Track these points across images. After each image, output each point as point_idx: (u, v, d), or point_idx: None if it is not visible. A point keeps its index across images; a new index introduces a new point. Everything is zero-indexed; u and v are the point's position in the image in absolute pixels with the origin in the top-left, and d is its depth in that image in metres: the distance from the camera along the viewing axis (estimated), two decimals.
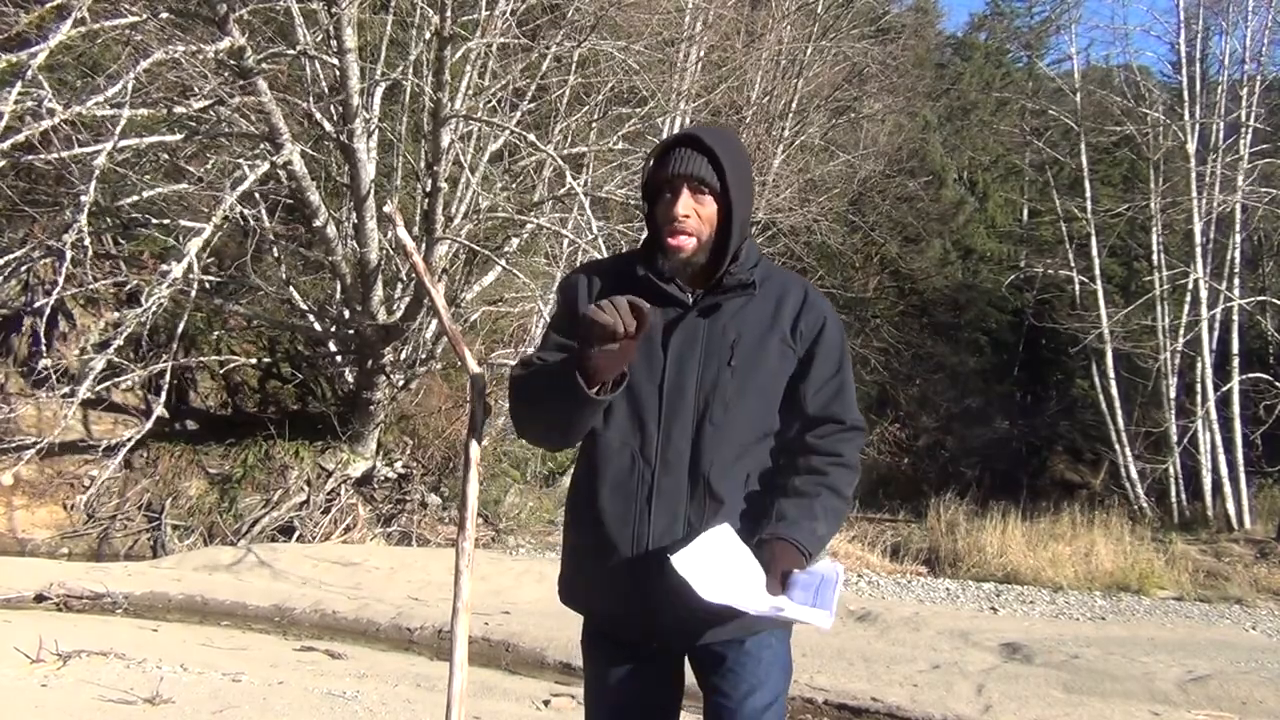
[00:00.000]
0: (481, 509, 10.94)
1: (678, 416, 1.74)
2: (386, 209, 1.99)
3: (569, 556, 1.89)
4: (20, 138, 6.92)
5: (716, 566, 1.66)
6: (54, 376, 7.99)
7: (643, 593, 1.73)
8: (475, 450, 1.87)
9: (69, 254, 7.07)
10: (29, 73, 6.50)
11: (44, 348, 9.15)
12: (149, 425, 8.85)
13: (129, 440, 8.84)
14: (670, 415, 1.74)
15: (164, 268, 8.41)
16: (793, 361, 1.81)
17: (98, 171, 7.27)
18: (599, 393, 1.67)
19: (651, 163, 1.82)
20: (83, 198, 7.08)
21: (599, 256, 9.50)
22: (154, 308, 8.10)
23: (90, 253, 7.40)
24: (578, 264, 12.53)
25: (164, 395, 8.97)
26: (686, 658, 1.87)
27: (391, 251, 9.99)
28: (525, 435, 1.91)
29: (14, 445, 8.34)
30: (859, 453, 1.87)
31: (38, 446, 8.06)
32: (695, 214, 1.76)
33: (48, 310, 8.09)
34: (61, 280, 7.55)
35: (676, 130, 14.02)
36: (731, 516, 1.76)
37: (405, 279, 10.40)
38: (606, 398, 1.69)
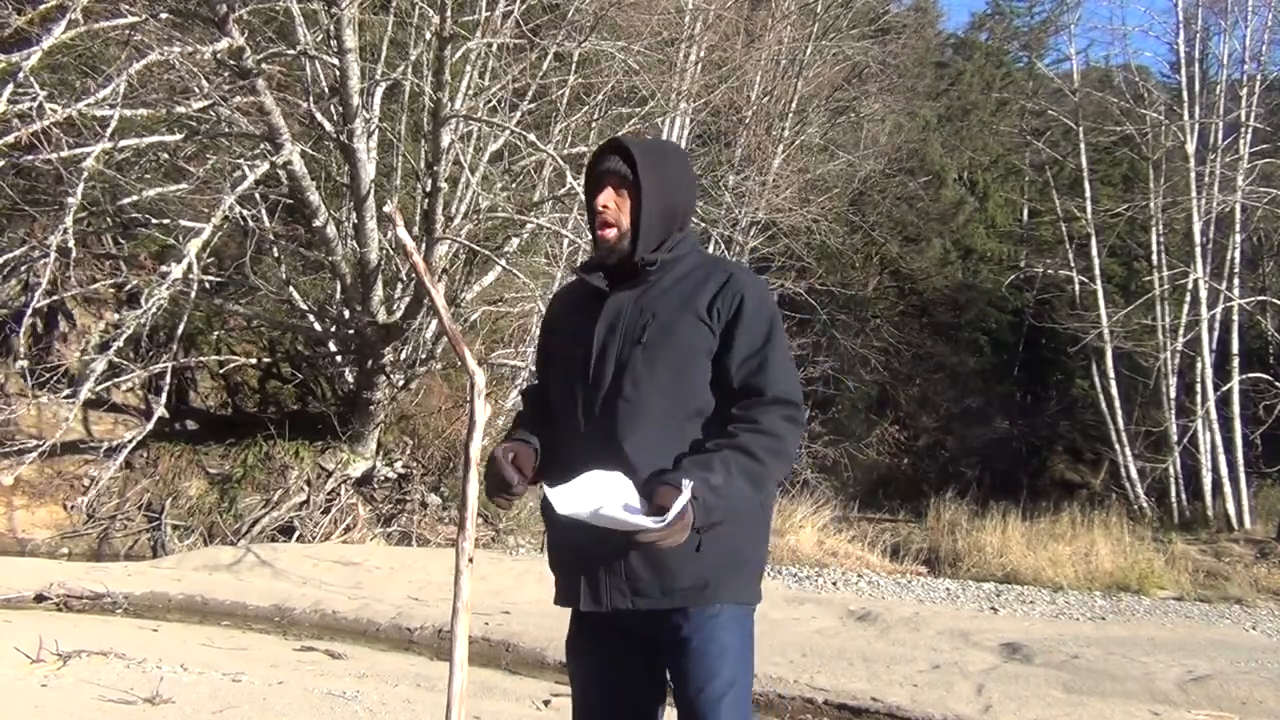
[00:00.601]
0: (481, 509, 10.93)
1: (599, 394, 1.89)
2: (386, 209, 2.02)
3: (547, 543, 2.05)
4: (13, 138, 6.91)
5: (585, 496, 1.76)
6: (54, 377, 7.98)
7: (578, 558, 1.87)
8: (475, 450, 1.91)
9: (53, 255, 7.06)
10: (20, 74, 6.49)
11: (33, 346, 9.14)
12: (150, 426, 8.85)
13: (131, 441, 8.84)
14: (592, 394, 1.89)
15: (164, 268, 8.41)
16: (710, 339, 1.89)
17: (86, 172, 7.27)
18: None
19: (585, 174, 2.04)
20: (69, 199, 7.08)
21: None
22: (154, 308, 8.09)
23: (73, 253, 7.40)
24: (578, 264, 12.59)
25: (165, 396, 8.96)
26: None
27: (391, 251, 9.99)
28: None
29: (16, 449, 8.33)
30: (789, 424, 1.88)
31: (40, 450, 8.05)
32: (614, 204, 1.94)
33: (32, 309, 8.08)
34: (45, 281, 7.54)
35: (676, 130, 14.09)
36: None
37: (405, 279, 10.40)
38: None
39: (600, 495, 1.76)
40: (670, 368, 1.87)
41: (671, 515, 1.70)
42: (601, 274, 1.97)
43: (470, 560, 1.90)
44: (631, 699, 1.96)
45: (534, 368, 2.19)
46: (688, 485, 1.73)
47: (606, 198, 1.94)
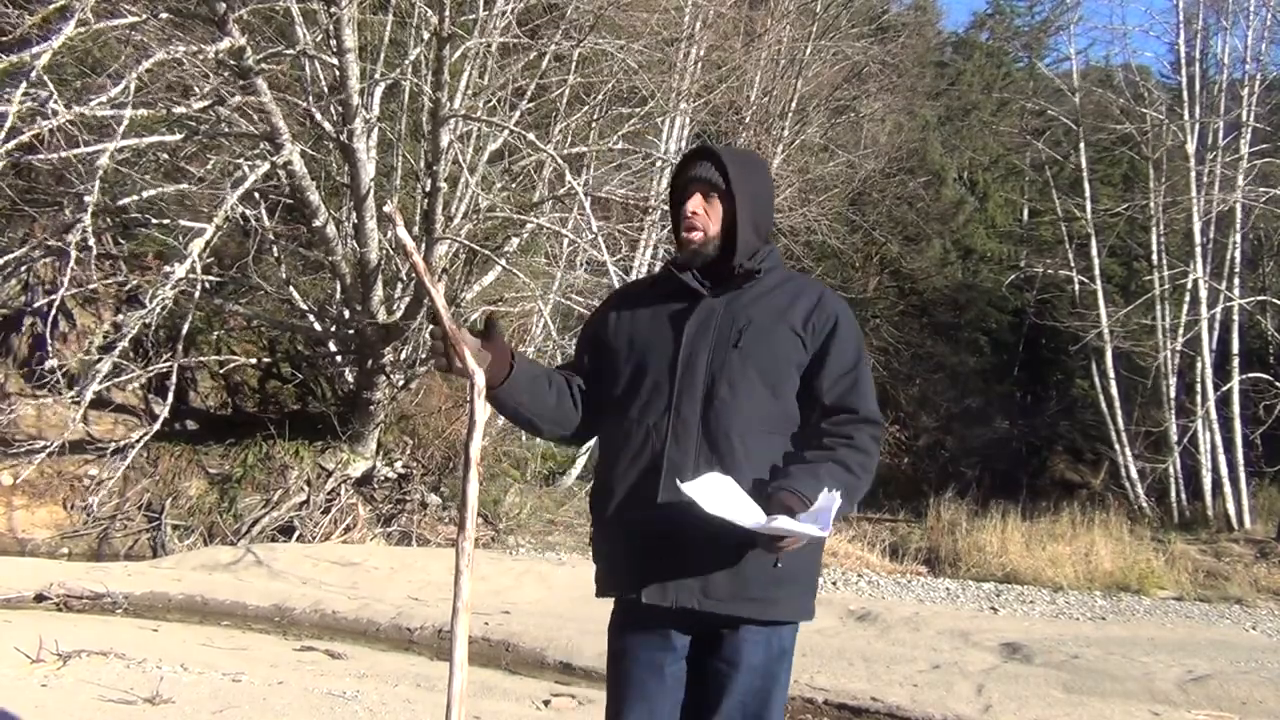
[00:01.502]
0: (481, 509, 10.94)
1: (688, 393, 1.92)
2: (386, 208, 2.02)
3: (596, 531, 2.03)
4: (25, 138, 6.91)
5: (720, 496, 1.80)
6: (55, 378, 7.98)
7: (652, 555, 1.87)
8: (475, 450, 1.90)
9: (74, 254, 7.06)
10: (33, 73, 6.50)
11: (34, 346, 9.14)
12: (156, 427, 8.85)
13: (139, 442, 8.85)
14: (681, 392, 1.92)
15: (167, 268, 8.41)
16: (802, 353, 1.96)
17: (101, 171, 7.27)
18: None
19: (672, 176, 2.10)
20: (86, 198, 7.07)
21: (599, 256, 9.50)
22: (158, 308, 8.09)
23: (92, 250, 7.39)
24: (578, 263, 12.59)
25: (170, 396, 8.95)
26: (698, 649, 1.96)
27: (391, 251, 9.99)
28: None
29: (22, 450, 8.32)
30: (875, 443, 1.98)
31: (47, 451, 8.04)
32: (704, 211, 2.00)
33: (37, 308, 8.08)
34: (67, 280, 7.54)
35: (675, 131, 14.09)
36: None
37: (405, 279, 10.40)
38: (500, 395, 1.96)
39: (735, 498, 1.80)
40: (764, 375, 1.93)
41: (830, 525, 1.78)
42: (693, 275, 2.01)
43: (468, 559, 1.88)
44: (668, 685, 1.94)
45: (572, 354, 2.17)
46: (835, 494, 1.81)
47: (695, 204, 2.00)
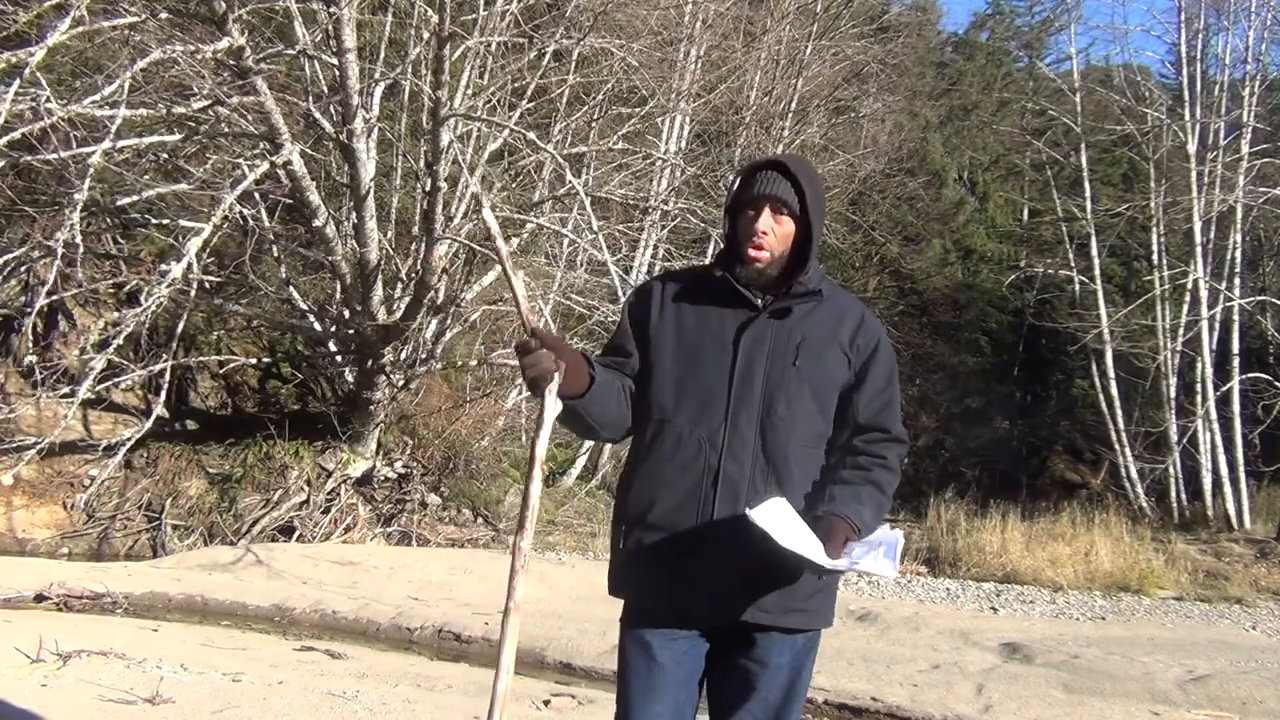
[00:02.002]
0: (482, 508, 10.94)
1: (745, 408, 1.91)
2: (473, 188, 1.96)
3: (628, 532, 1.96)
4: (16, 135, 6.91)
5: (786, 525, 1.80)
6: (53, 377, 7.98)
7: (703, 568, 1.86)
8: (542, 449, 1.82)
9: (60, 251, 7.05)
10: (27, 71, 6.49)
11: (34, 346, 9.14)
12: (149, 424, 8.84)
13: (129, 439, 8.83)
14: (738, 406, 1.90)
15: (164, 267, 8.41)
16: (847, 372, 1.98)
17: (93, 170, 7.26)
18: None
19: (738, 182, 2.02)
20: (76, 195, 7.07)
21: (599, 256, 9.50)
22: (154, 307, 8.09)
23: (82, 250, 7.38)
24: (578, 263, 12.59)
25: (164, 395, 8.96)
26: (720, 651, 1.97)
27: (390, 251, 10.00)
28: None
29: (14, 445, 8.33)
30: (901, 463, 2.02)
31: (38, 447, 8.05)
32: (773, 231, 1.95)
33: (36, 309, 8.08)
34: (52, 278, 7.53)
35: (675, 131, 14.09)
36: (792, 501, 1.90)
37: (405, 279, 10.40)
38: (585, 403, 1.89)
39: (798, 528, 1.81)
40: (815, 393, 1.95)
41: (897, 564, 1.82)
42: (750, 289, 1.97)
43: (524, 560, 1.85)
44: (683, 686, 1.93)
45: (617, 342, 2.06)
46: (899, 533, 1.87)
47: (767, 223, 1.94)
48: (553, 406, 1.82)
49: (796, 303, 1.98)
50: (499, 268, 10.49)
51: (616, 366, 2.01)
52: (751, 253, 1.95)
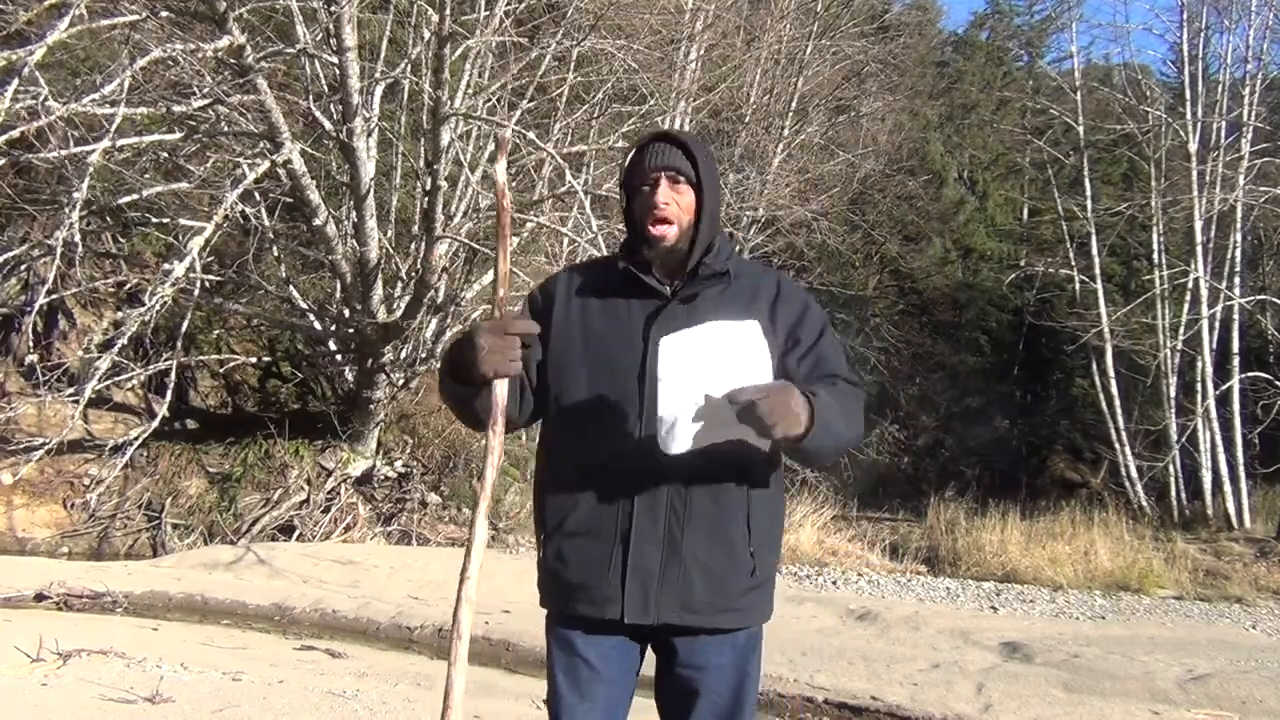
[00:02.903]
0: None
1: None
2: (504, 134, 1.90)
3: (547, 540, 1.88)
4: (15, 133, 6.91)
5: (700, 361, 1.65)
6: (54, 377, 7.98)
7: (625, 573, 1.79)
8: (497, 437, 1.76)
9: (59, 250, 7.05)
10: (25, 69, 6.49)
11: (34, 345, 9.14)
12: (154, 425, 8.84)
13: (135, 439, 8.84)
14: (652, 403, 1.76)
15: (166, 266, 8.41)
16: (772, 345, 1.83)
17: (92, 168, 7.26)
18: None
19: (628, 160, 1.90)
20: (75, 194, 7.07)
21: (598, 255, 9.50)
22: (157, 306, 8.09)
23: (81, 250, 7.39)
24: (578, 262, 12.59)
25: (168, 395, 8.95)
26: (654, 652, 1.91)
27: (390, 250, 9.99)
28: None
29: (22, 447, 8.32)
30: (858, 394, 1.89)
31: (46, 448, 8.04)
32: (674, 202, 1.83)
33: (36, 307, 8.08)
34: (51, 277, 7.54)
35: (676, 128, 14.05)
36: (724, 507, 1.81)
37: (405, 277, 10.40)
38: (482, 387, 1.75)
39: (711, 363, 1.65)
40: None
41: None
42: (655, 276, 1.85)
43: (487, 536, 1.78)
44: (619, 687, 1.89)
45: None
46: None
47: (666, 195, 1.82)
48: (503, 401, 1.72)
49: (705, 286, 1.85)
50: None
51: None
52: (655, 230, 1.82)
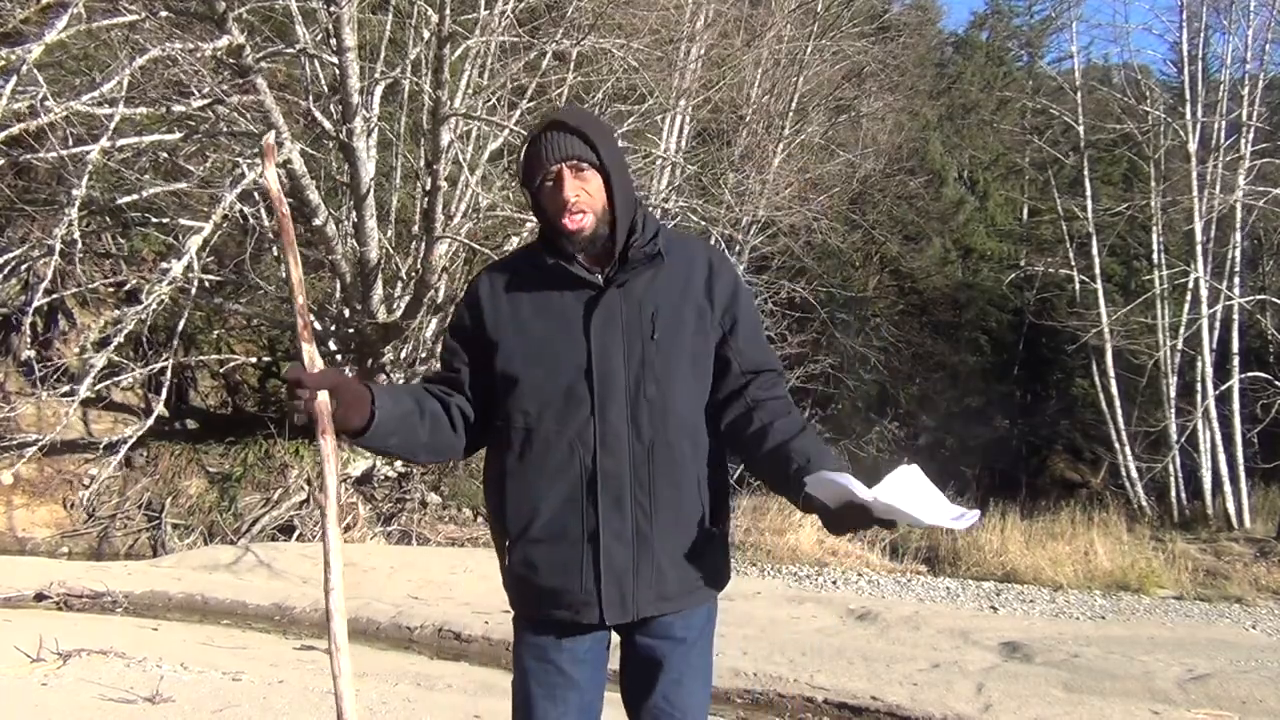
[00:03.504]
0: (482, 507, 10.94)
1: (611, 398, 1.76)
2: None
3: (511, 548, 1.84)
4: (14, 131, 6.91)
5: (910, 494, 1.62)
6: (54, 376, 7.98)
7: (597, 575, 1.76)
8: (331, 493, 1.69)
9: (58, 247, 7.06)
10: (24, 68, 6.49)
11: (31, 344, 9.14)
12: (149, 423, 8.85)
13: (130, 438, 8.84)
14: (604, 398, 1.75)
15: (164, 265, 8.41)
16: (711, 327, 1.83)
17: (90, 168, 7.27)
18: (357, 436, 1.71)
19: (523, 155, 1.83)
20: (74, 192, 7.08)
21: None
22: (154, 305, 8.10)
23: (79, 249, 7.39)
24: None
25: (164, 393, 8.96)
26: (621, 652, 1.90)
27: (390, 250, 9.99)
28: None
29: (15, 443, 8.33)
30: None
31: (39, 445, 8.05)
32: (583, 191, 1.77)
33: (34, 306, 8.08)
34: (49, 277, 7.55)
35: (675, 129, 14.08)
36: (685, 490, 1.80)
37: (405, 277, 10.40)
38: (369, 440, 1.73)
39: (916, 496, 1.62)
40: (687, 361, 1.81)
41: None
42: (582, 265, 1.79)
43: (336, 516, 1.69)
44: (588, 689, 1.86)
45: (446, 358, 1.89)
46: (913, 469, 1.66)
47: (573, 187, 1.75)
48: (331, 450, 1.68)
49: (637, 272, 1.80)
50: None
51: (446, 381, 1.86)
52: (569, 224, 1.76)
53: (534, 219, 1.88)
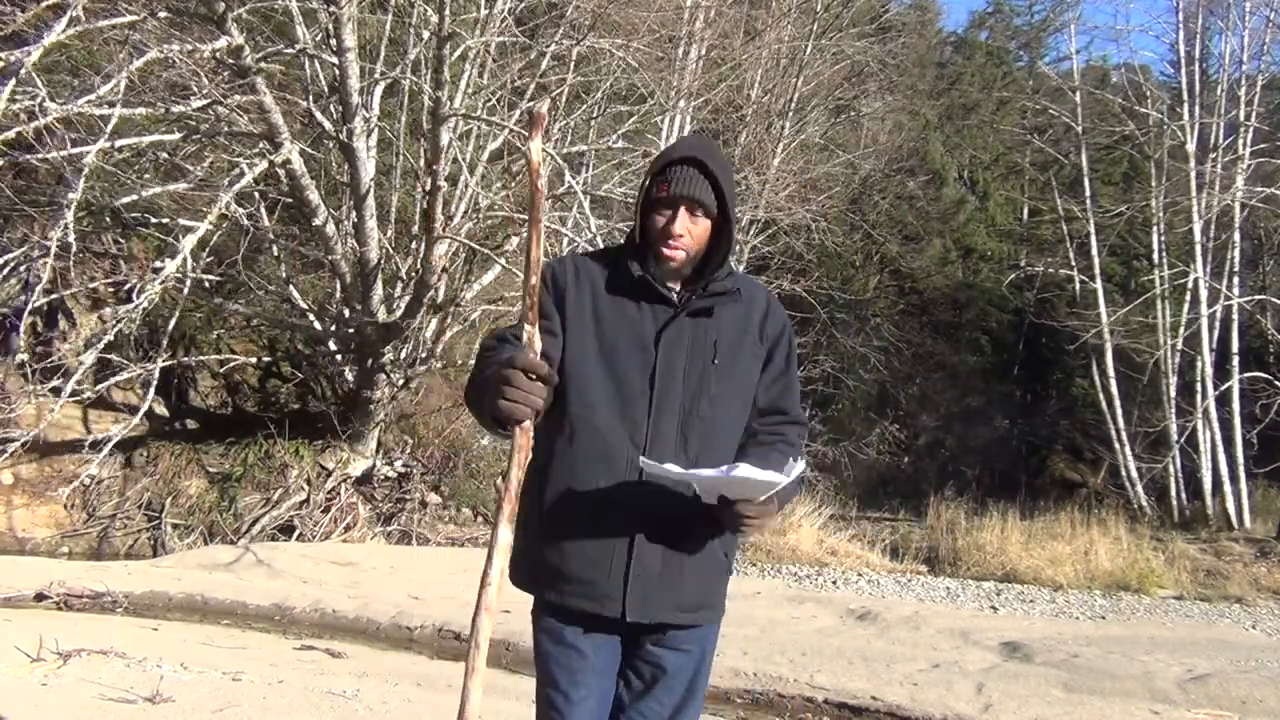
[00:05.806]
0: (482, 507, 10.94)
1: (666, 408, 1.88)
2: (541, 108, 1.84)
3: (547, 527, 1.89)
4: (13, 133, 6.91)
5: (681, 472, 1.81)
6: (53, 375, 7.96)
7: (626, 570, 1.85)
8: (513, 494, 1.73)
9: (55, 250, 7.05)
10: (23, 70, 6.49)
11: (31, 344, 9.13)
12: (136, 420, 8.83)
13: (119, 433, 8.79)
14: (660, 406, 1.88)
15: (157, 264, 8.41)
16: (759, 361, 2.00)
17: (87, 169, 7.27)
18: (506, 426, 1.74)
19: (651, 176, 1.95)
20: (72, 194, 7.07)
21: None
22: (145, 303, 8.07)
23: (75, 250, 7.38)
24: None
25: (160, 392, 8.94)
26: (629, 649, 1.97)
27: (390, 250, 9.98)
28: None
29: (3, 438, 8.28)
30: (802, 441, 2.06)
31: (22, 440, 7.99)
32: (689, 233, 1.92)
33: (30, 306, 8.07)
34: (46, 277, 7.53)
35: (675, 130, 14.08)
36: (714, 507, 1.87)
37: (405, 277, 10.39)
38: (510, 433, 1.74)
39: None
40: (738, 389, 1.96)
41: (795, 473, 1.78)
42: (668, 285, 1.93)
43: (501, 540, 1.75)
44: (605, 676, 1.94)
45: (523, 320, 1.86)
46: (799, 463, 1.81)
47: (683, 225, 1.90)
48: (527, 446, 1.70)
49: (715, 302, 1.95)
50: (497, 267, 10.51)
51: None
52: (667, 253, 1.92)
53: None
